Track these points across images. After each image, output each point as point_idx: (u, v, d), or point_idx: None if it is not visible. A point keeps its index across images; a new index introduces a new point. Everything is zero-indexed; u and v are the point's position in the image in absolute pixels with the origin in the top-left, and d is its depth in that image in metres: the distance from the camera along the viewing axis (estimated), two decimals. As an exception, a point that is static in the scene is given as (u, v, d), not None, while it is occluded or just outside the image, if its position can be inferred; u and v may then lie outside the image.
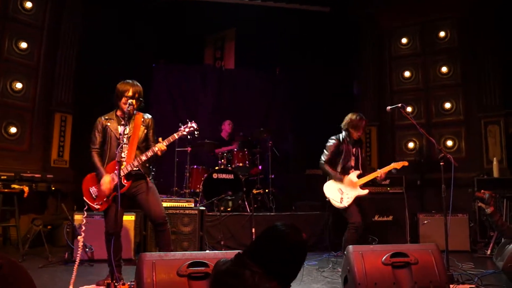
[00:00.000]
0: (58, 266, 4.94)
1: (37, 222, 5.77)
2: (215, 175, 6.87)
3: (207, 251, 5.07)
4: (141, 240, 5.37)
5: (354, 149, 5.09)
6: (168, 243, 3.94)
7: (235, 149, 7.46)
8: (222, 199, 6.47)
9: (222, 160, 7.28)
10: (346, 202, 4.86)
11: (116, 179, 3.71)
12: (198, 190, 6.92)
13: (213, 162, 7.58)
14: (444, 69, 7.93)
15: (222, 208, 6.35)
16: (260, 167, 7.73)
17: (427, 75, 8.11)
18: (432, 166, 7.09)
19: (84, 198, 3.94)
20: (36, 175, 6.46)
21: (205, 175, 6.93)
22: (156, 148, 3.87)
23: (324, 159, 5.09)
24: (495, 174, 6.83)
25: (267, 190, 7.37)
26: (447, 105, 7.84)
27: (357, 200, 4.91)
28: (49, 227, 6.22)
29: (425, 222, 6.32)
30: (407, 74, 8.24)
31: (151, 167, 4.13)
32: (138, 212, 5.45)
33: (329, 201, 5.00)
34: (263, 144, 7.83)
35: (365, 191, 4.97)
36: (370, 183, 5.09)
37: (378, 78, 8.41)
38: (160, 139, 3.94)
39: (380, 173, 5.00)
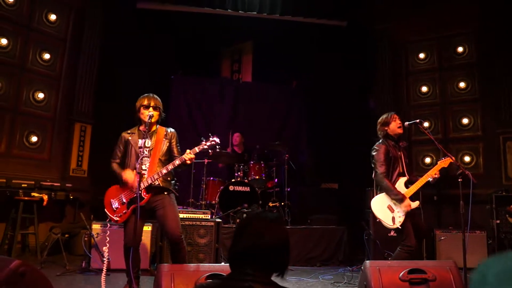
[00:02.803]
0: (75, 275, 5.00)
1: (55, 230, 5.86)
2: (231, 187, 6.92)
3: (223, 263, 5.08)
4: (157, 251, 5.40)
5: (400, 153, 4.53)
6: (183, 261, 3.89)
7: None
8: (238, 212, 6.51)
9: (239, 173, 7.32)
10: (398, 222, 4.24)
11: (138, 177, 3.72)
12: (214, 202, 6.96)
13: (229, 174, 7.62)
14: (462, 84, 7.85)
15: (238, 221, 6.37)
16: (276, 180, 7.76)
17: (444, 90, 8.04)
18: (449, 181, 7.00)
19: (106, 210, 3.97)
20: (55, 184, 6.58)
21: (222, 187, 6.98)
22: (186, 158, 3.83)
23: (381, 170, 4.35)
24: (514, 191, 6.74)
25: (282, 203, 7.36)
26: (465, 121, 7.76)
27: (409, 215, 4.30)
28: (67, 235, 6.30)
29: (442, 238, 6.25)
30: (424, 89, 8.19)
31: (173, 181, 4.09)
32: (154, 222, 5.47)
33: (379, 221, 4.35)
34: (279, 157, 7.86)
35: (416, 203, 4.34)
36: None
37: (395, 92, 8.38)
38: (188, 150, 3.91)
39: (430, 176, 4.43)
